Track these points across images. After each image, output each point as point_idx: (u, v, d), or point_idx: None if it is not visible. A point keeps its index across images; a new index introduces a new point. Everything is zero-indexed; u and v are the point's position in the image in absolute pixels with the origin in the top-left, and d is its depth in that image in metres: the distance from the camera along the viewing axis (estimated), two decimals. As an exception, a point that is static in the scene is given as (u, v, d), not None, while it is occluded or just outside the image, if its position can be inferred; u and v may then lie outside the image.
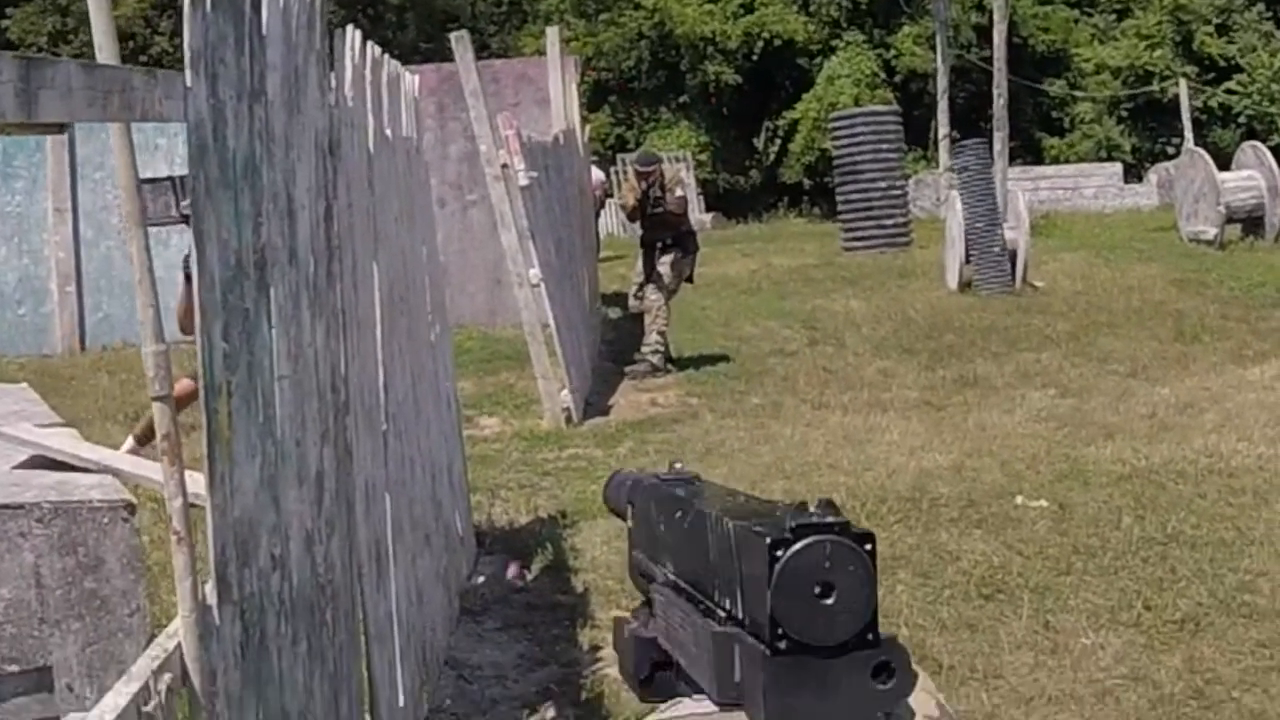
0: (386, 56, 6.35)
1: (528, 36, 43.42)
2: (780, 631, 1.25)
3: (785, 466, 9.93)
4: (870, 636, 1.26)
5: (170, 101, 2.94)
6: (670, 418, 12.27)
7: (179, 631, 2.86)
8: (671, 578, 1.41)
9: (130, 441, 9.72)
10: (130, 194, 2.87)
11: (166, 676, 2.75)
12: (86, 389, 14.09)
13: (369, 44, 5.74)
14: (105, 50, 2.78)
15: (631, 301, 15.56)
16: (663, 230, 14.83)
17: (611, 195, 31.58)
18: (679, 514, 1.47)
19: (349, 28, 5.41)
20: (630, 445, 11.16)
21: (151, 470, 4.17)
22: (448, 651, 6.73)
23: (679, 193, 14.88)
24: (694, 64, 43.59)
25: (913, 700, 1.45)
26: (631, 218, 15.46)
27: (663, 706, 1.63)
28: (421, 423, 6.62)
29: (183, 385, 9.22)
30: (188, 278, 9.23)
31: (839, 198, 26.87)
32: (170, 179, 17.25)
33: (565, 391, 12.32)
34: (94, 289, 18.14)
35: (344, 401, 4.41)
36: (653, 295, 14.67)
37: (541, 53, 19.80)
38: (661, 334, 14.65)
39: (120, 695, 2.60)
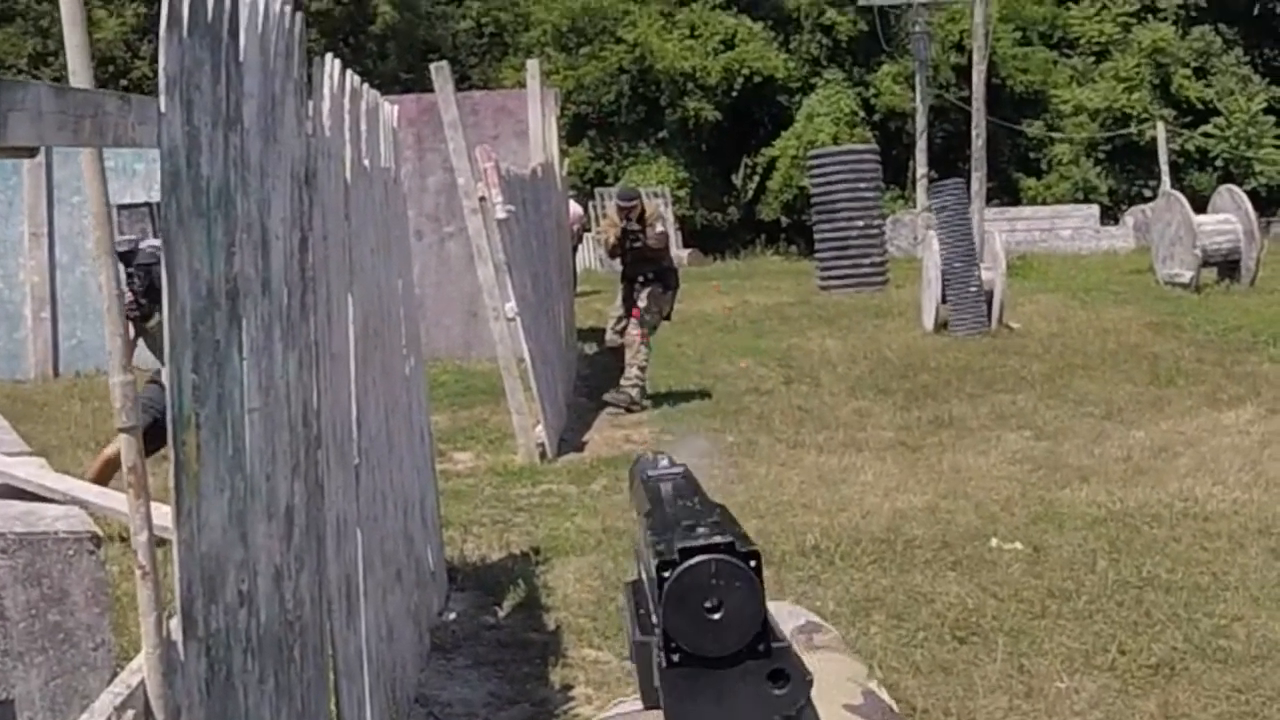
0: (366, 86, 6.31)
1: (508, 69, 43.50)
2: (674, 645, 1.31)
3: (759, 506, 9.88)
4: (761, 647, 1.31)
5: (144, 127, 2.90)
6: (645, 455, 12.19)
7: (143, 668, 2.79)
8: (634, 578, 1.46)
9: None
10: (101, 220, 2.83)
11: (129, 713, 2.69)
12: (59, 415, 14.00)
13: (348, 73, 5.70)
14: (79, 74, 2.74)
15: (610, 335, 15.51)
16: (643, 265, 14.82)
17: (589, 230, 31.57)
18: (638, 519, 1.53)
19: (328, 56, 5.37)
20: (604, 482, 11.09)
21: (119, 502, 4.11)
22: (418, 688, 6.66)
23: (659, 228, 14.89)
24: (674, 99, 43.70)
25: (835, 689, 1.54)
26: (612, 254, 15.45)
27: (609, 706, 1.69)
28: (394, 457, 6.56)
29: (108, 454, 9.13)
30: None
31: (816, 236, 26.89)
32: (148, 205, 17.26)
33: (540, 427, 12.26)
34: (68, 315, 18.06)
35: (316, 435, 4.35)
36: (634, 330, 14.64)
37: (522, 85, 19.80)
38: (642, 369, 14.62)
39: (81, 733, 2.54)
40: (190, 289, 3.07)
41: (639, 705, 1.45)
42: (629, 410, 14.32)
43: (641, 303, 14.71)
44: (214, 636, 3.14)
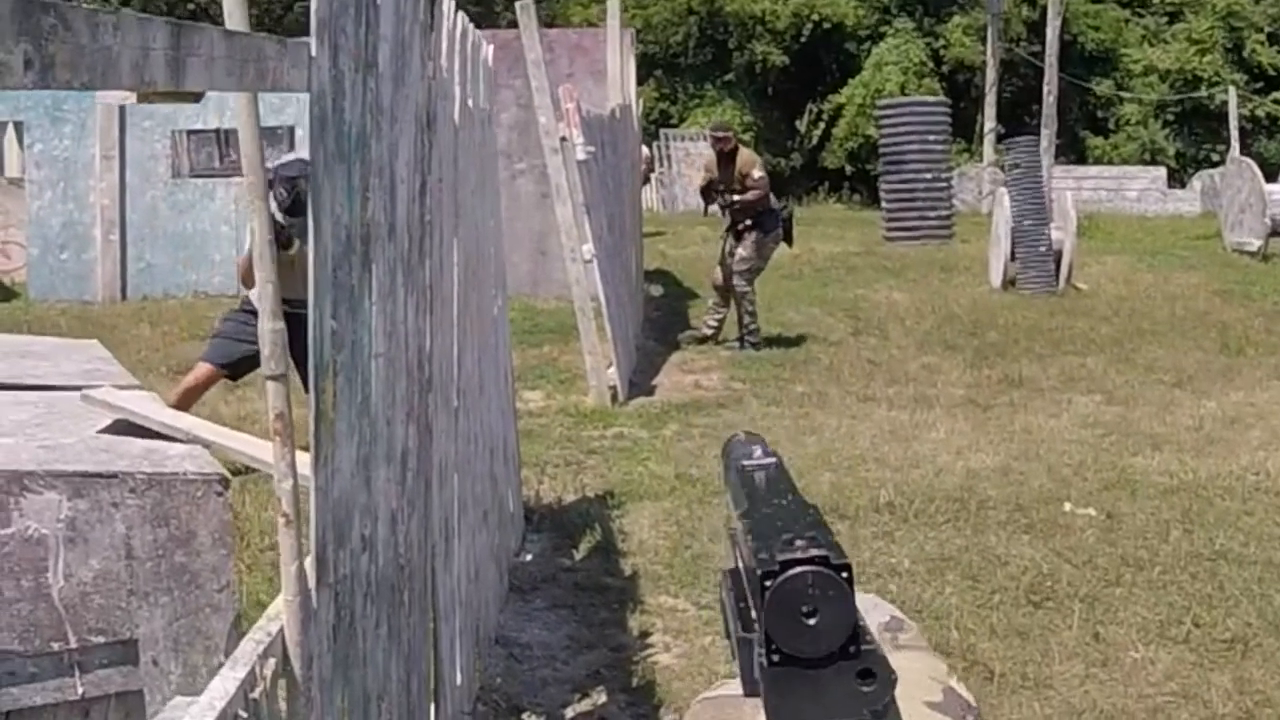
0: (471, 25, 6.27)
1: (576, 5, 43.31)
2: (774, 646, 1.50)
3: (832, 459, 9.88)
4: (852, 648, 1.50)
5: (295, 71, 2.88)
6: (715, 401, 12.22)
7: (281, 615, 2.80)
8: (732, 566, 1.71)
9: None
10: (253, 165, 2.82)
11: (271, 661, 2.70)
12: (128, 339, 14.06)
13: (459, 13, 5.67)
14: (235, 17, 2.72)
15: (714, 274, 15.70)
16: (743, 215, 15.15)
17: (654, 171, 31.52)
18: (737, 512, 1.74)
19: (439, -4, 5.34)
20: (675, 428, 11.11)
21: (237, 441, 4.13)
22: (498, 630, 6.69)
23: (757, 174, 15.09)
24: (742, 42, 43.52)
25: (917, 687, 1.73)
26: (704, 197, 15.92)
27: (715, 684, 1.99)
28: (484, 398, 6.56)
29: (201, 372, 9.17)
30: None
31: (883, 186, 26.82)
32: (216, 131, 17.32)
33: (613, 369, 12.26)
34: (137, 238, 18.14)
35: (428, 379, 4.36)
36: (738, 285, 15.03)
37: (590, 23, 19.76)
38: (751, 314, 15.01)
39: (228, 680, 2.56)
40: (332, 234, 3.07)
41: (739, 689, 1.63)
42: (756, 348, 14.81)
43: (744, 251, 15.05)
44: (341, 583, 3.15)
